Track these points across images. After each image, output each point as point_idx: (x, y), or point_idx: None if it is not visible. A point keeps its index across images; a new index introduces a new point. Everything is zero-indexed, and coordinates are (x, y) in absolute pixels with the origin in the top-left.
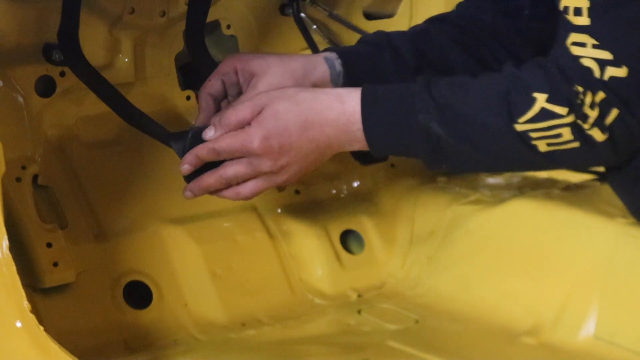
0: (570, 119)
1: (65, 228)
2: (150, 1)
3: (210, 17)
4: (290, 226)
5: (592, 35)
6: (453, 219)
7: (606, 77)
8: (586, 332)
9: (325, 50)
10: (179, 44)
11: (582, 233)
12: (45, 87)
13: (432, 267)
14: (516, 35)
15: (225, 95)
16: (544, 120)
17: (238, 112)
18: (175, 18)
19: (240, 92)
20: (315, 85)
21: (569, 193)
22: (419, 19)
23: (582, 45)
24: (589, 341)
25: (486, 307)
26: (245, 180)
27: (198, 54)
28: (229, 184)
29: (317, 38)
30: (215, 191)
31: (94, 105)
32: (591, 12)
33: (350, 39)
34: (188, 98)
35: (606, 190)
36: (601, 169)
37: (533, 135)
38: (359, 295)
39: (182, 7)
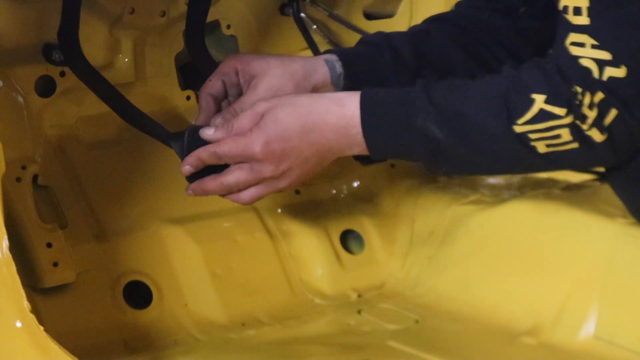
0: (569, 119)
1: (65, 228)
2: (150, 1)
3: (210, 17)
4: (290, 226)
5: (592, 34)
6: (453, 219)
7: (605, 77)
8: (586, 332)
9: (326, 52)
10: (179, 44)
11: (582, 233)
12: (45, 87)
13: (432, 267)
14: (516, 35)
15: (225, 95)
16: (542, 121)
17: (238, 120)
18: (175, 18)
19: (240, 93)
20: (316, 86)
21: (569, 193)
22: (419, 19)
23: (581, 45)
24: (589, 341)
25: (486, 307)
26: (246, 186)
27: (198, 54)
28: (230, 191)
29: (317, 38)
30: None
31: (94, 105)
32: (591, 11)
33: (350, 39)
34: (188, 98)
35: (606, 190)
36: (601, 169)
37: (532, 136)
38: (359, 295)
39: (182, 7)
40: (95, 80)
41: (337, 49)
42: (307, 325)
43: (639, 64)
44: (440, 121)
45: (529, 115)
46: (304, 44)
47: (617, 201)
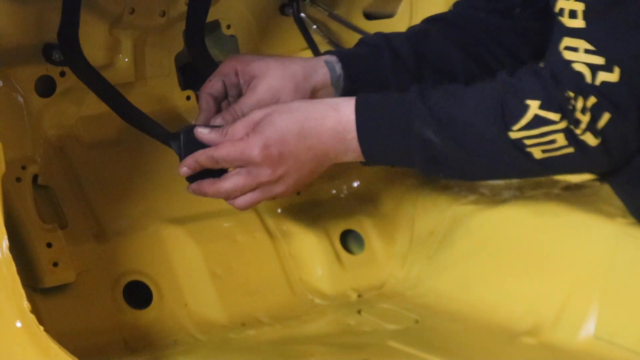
0: (563, 124)
1: (65, 228)
2: (150, 1)
3: (210, 17)
4: (290, 226)
5: (587, 38)
6: (453, 219)
7: (598, 82)
8: (586, 332)
9: (326, 52)
10: (179, 44)
11: (582, 233)
12: (45, 87)
13: (432, 267)
14: (515, 35)
15: (225, 95)
16: (537, 127)
17: (233, 127)
18: (175, 18)
19: (240, 93)
20: (316, 87)
21: (569, 193)
22: (419, 19)
23: (575, 50)
24: (589, 341)
25: (486, 307)
26: (243, 192)
27: (198, 54)
28: (228, 197)
29: (317, 38)
30: None
31: (94, 105)
32: (586, 14)
33: (350, 39)
34: (188, 98)
35: (606, 190)
36: None
37: (527, 142)
38: (359, 295)
39: (182, 7)
40: (95, 80)
41: (336, 49)
42: (307, 325)
43: (633, 68)
44: (437, 127)
45: (523, 121)
46: (304, 44)
47: (617, 201)
